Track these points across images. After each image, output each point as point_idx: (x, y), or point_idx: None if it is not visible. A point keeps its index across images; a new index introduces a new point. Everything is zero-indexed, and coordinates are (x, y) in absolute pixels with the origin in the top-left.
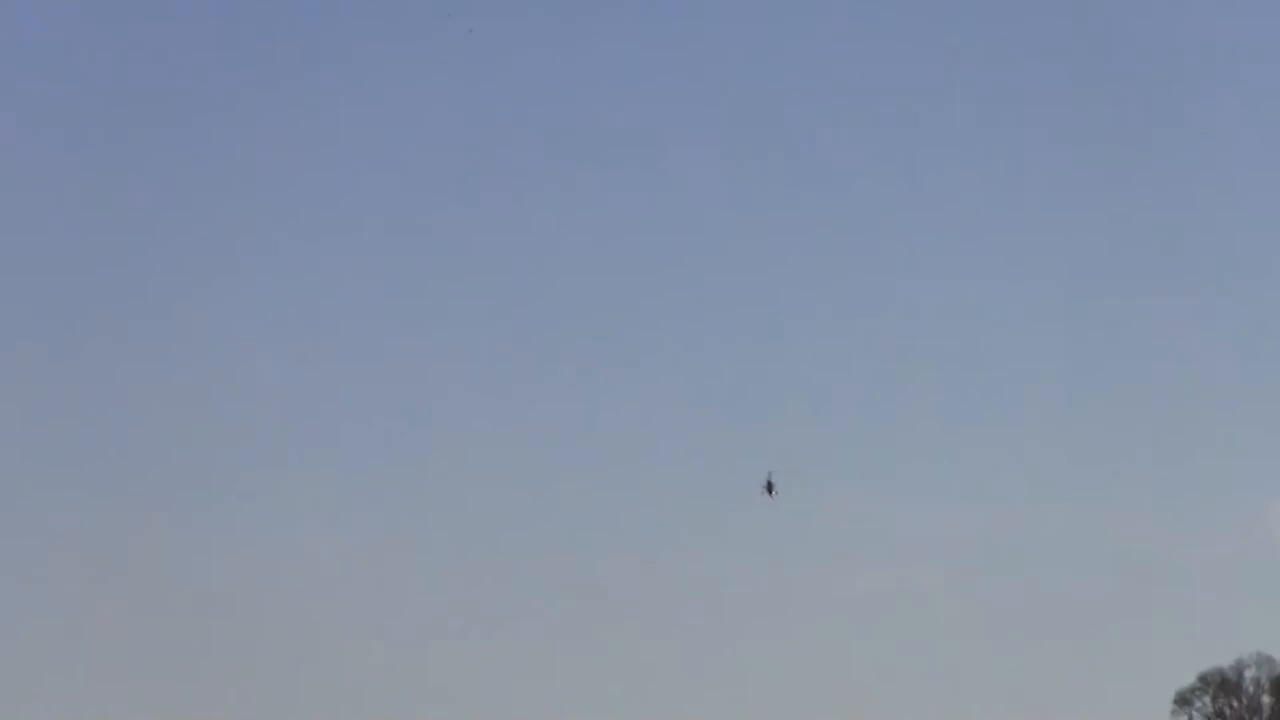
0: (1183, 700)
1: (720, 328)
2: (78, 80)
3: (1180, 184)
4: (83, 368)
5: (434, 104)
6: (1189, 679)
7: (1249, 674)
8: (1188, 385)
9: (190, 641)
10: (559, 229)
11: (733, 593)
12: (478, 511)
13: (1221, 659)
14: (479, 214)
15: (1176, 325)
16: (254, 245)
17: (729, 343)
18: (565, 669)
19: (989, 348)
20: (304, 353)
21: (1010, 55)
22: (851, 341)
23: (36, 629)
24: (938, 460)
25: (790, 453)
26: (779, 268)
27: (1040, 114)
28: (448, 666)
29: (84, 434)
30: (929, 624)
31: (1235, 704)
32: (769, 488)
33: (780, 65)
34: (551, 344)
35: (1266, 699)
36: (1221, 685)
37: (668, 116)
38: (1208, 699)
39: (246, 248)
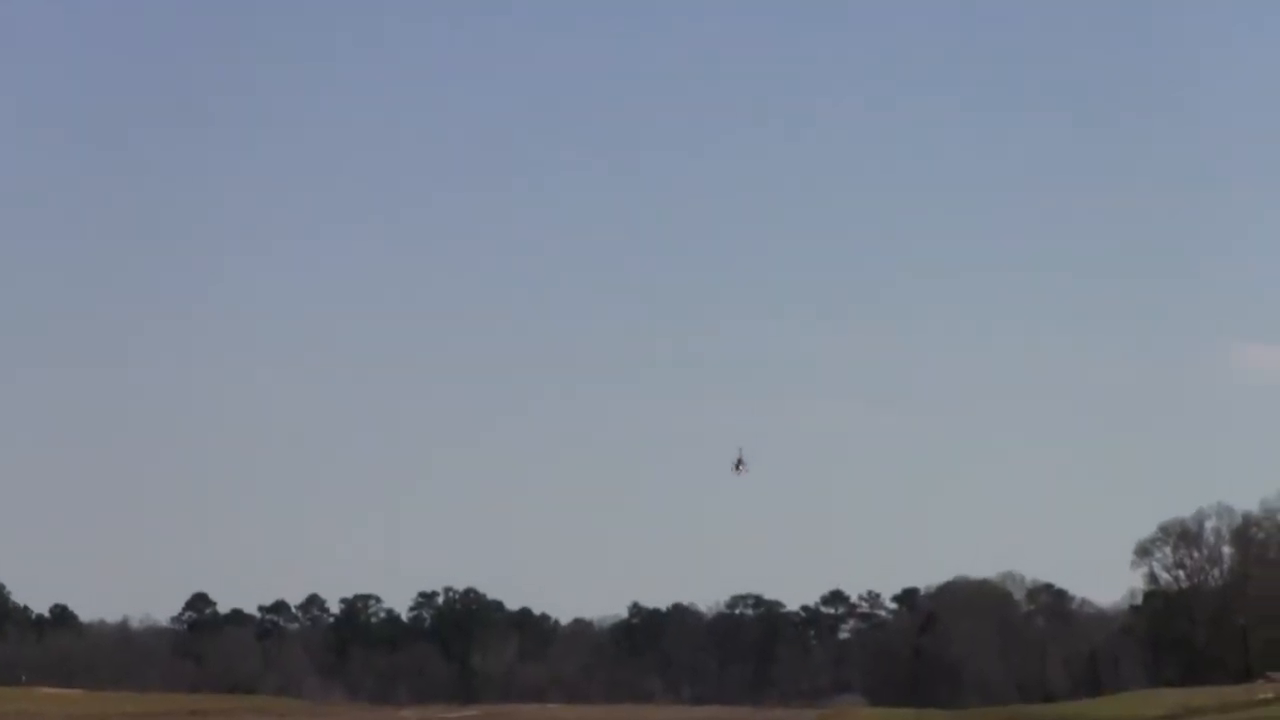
0: (1143, 551)
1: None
2: None
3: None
4: None
5: None
6: (1150, 529)
7: (1209, 525)
8: (1157, 226)
9: None
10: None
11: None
12: None
13: (1182, 510)
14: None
15: (1149, 160)
16: None
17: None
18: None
19: (971, 193)
20: None
21: None
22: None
23: None
24: (911, 305)
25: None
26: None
27: None
28: None
29: None
30: (891, 462)
31: (1196, 554)
32: (738, 465)
33: None
34: None
35: (1227, 550)
36: (1182, 536)
37: None
38: (1168, 549)
39: None
